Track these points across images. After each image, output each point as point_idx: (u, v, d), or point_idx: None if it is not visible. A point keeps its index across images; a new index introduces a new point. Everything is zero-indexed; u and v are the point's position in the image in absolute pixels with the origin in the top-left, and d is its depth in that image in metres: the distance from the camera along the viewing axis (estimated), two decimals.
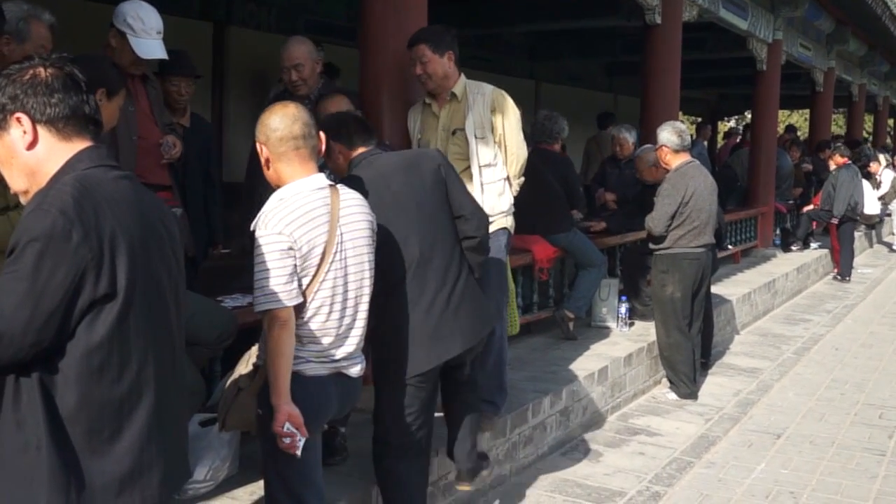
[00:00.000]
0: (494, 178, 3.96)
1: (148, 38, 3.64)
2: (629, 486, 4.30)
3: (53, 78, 1.86)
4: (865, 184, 11.74)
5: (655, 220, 5.58)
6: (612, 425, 5.23)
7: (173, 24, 4.39)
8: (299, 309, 2.57)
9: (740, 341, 7.57)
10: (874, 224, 13.96)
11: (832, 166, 10.94)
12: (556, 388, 4.78)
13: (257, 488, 3.10)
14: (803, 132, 17.40)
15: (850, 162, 11.00)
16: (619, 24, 9.01)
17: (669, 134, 5.66)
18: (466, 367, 3.35)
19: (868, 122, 23.29)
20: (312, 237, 2.57)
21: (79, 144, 1.87)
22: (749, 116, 17.09)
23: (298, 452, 2.56)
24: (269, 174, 2.69)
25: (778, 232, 11.15)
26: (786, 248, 10.97)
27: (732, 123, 26.09)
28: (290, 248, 2.52)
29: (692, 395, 5.74)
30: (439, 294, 3.10)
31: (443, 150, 3.93)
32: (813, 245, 11.37)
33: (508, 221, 4.06)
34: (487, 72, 9.28)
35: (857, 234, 11.83)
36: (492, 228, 3.87)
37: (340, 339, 2.69)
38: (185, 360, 2.10)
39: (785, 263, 10.00)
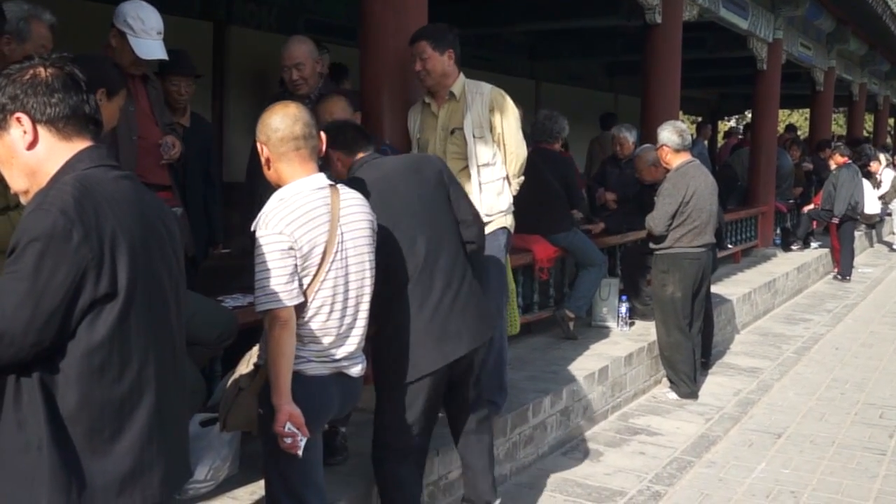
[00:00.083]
0: (493, 178, 3.96)
1: (148, 38, 3.64)
2: (630, 485, 4.30)
3: (54, 78, 1.86)
4: (866, 183, 11.73)
5: (656, 220, 5.57)
6: (612, 425, 5.23)
7: (173, 24, 4.39)
8: (300, 309, 2.58)
9: (741, 341, 7.57)
10: (874, 223, 13.96)
11: (832, 166, 10.95)
12: (557, 387, 4.78)
13: (258, 488, 3.11)
14: (803, 131, 17.41)
15: (850, 161, 11.00)
16: (620, 24, 9.00)
17: (670, 133, 5.65)
18: (470, 386, 3.33)
19: (868, 122, 23.28)
20: (313, 237, 2.57)
21: (79, 144, 1.87)
22: (749, 116, 17.09)
23: (300, 452, 2.56)
24: (270, 174, 2.70)
25: (778, 231, 11.14)
26: (786, 247, 10.97)
27: (733, 123, 26.10)
28: (291, 248, 2.52)
29: (692, 394, 5.74)
30: (446, 293, 3.11)
31: (441, 149, 3.95)
32: (813, 244, 11.36)
33: (508, 221, 4.06)
34: (488, 71, 9.27)
35: (857, 233, 11.83)
36: (491, 228, 3.89)
37: (341, 338, 2.69)
38: (186, 359, 2.10)
39: (785, 263, 9.99)
